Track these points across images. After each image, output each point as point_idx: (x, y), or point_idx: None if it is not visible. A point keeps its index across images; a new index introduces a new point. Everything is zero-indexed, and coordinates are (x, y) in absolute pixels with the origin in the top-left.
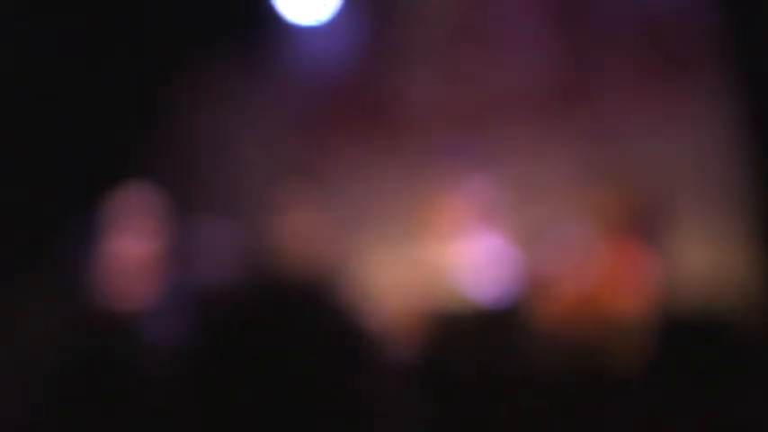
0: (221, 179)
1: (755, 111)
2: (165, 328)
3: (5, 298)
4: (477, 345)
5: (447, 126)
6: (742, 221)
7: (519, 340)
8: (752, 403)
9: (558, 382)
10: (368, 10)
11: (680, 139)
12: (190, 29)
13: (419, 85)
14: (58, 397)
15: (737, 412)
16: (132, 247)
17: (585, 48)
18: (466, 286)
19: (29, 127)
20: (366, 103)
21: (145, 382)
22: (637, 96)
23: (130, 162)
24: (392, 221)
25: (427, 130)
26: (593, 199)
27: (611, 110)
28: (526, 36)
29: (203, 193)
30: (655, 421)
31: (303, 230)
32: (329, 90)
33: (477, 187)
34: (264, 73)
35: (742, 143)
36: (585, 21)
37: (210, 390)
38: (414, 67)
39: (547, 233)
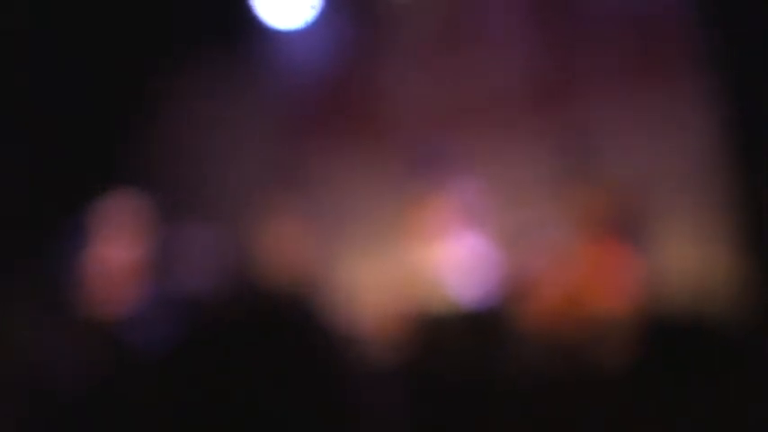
0: (204, 185)
1: (739, 111)
2: (147, 334)
3: None
4: (460, 346)
5: (430, 128)
6: (725, 222)
7: (502, 341)
8: (735, 400)
9: (541, 382)
10: (349, 14)
11: (663, 141)
12: (172, 35)
13: (401, 88)
14: (42, 402)
15: (720, 409)
16: (116, 254)
17: (568, 49)
18: (449, 288)
19: (12, 133)
20: (348, 107)
21: (126, 387)
22: (620, 98)
23: (114, 169)
24: (375, 224)
25: (410, 133)
26: (576, 200)
27: (594, 111)
28: (508, 38)
29: (186, 200)
30: (638, 419)
31: (285, 236)
32: (311, 94)
33: (459, 190)
34: (247, 78)
35: (725, 144)
36: (568, 22)
37: (191, 394)
38: (395, 71)
39: (529, 235)
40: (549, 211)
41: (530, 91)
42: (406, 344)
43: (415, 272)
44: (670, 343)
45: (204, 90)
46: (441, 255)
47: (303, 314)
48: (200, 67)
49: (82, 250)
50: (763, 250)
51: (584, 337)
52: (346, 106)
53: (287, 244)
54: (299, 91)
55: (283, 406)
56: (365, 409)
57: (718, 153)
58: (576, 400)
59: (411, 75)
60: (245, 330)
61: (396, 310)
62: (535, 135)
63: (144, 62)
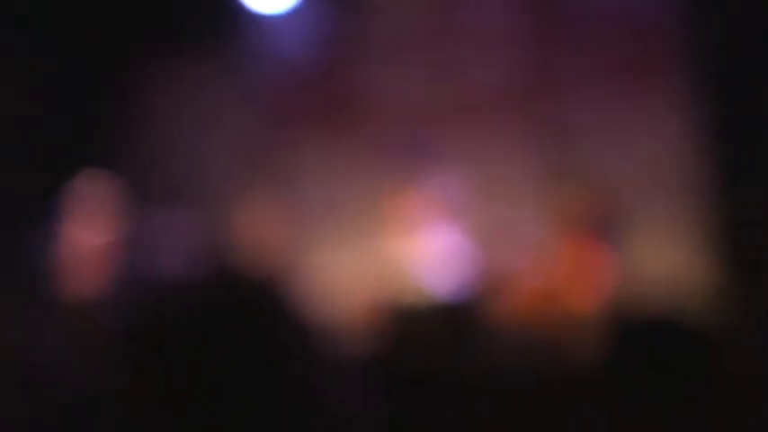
0: (180, 170)
1: (718, 112)
2: (119, 317)
3: None
4: (433, 339)
5: (410, 120)
6: (702, 222)
7: (476, 336)
8: (707, 400)
9: (514, 378)
10: (333, 2)
11: (642, 141)
12: (151, 18)
13: (383, 78)
14: (17, 385)
15: (693, 411)
16: (88, 237)
17: (551, 48)
18: (424, 280)
19: None
20: (329, 95)
21: (98, 370)
22: (601, 98)
23: (89, 152)
24: (352, 214)
25: (390, 125)
26: (555, 198)
27: (574, 110)
28: (492, 34)
29: (162, 184)
30: (612, 418)
31: (260, 222)
32: (292, 81)
33: (437, 183)
34: (226, 64)
35: (703, 145)
36: (552, 21)
37: (161, 381)
38: (378, 61)
39: (507, 230)
40: (527, 208)
41: (512, 88)
42: (379, 334)
43: (390, 263)
44: (643, 342)
45: (182, 75)
46: (417, 247)
47: (275, 301)
48: (180, 51)
49: (55, 233)
50: (738, 251)
51: (558, 335)
52: (326, 95)
53: (262, 230)
54: (279, 78)
55: (254, 393)
56: (336, 398)
57: (696, 154)
58: (548, 396)
59: (393, 66)
60: (216, 316)
61: (369, 301)
62: (516, 132)
63: (121, 45)
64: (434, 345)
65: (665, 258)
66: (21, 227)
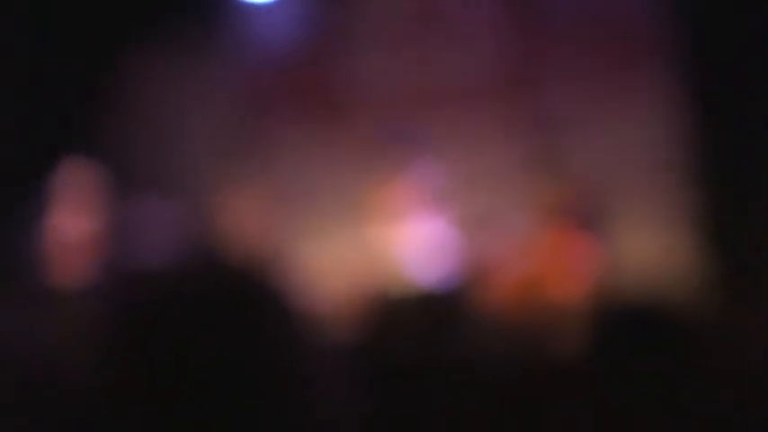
0: (164, 159)
1: (703, 104)
2: (104, 306)
3: None
4: (417, 328)
5: (394, 110)
6: (686, 212)
7: (460, 325)
8: (692, 391)
9: (499, 367)
10: None
11: (625, 129)
12: (136, 6)
13: (367, 68)
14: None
15: (678, 402)
16: (71, 225)
17: (534, 37)
18: (408, 270)
19: None
20: (313, 85)
21: (82, 358)
22: (583, 86)
23: (73, 140)
24: (336, 202)
25: (374, 114)
26: (538, 187)
27: (557, 99)
28: (476, 23)
29: (146, 172)
30: (596, 409)
31: (246, 212)
32: (276, 70)
33: (422, 172)
34: (211, 52)
35: (691, 133)
36: (535, 11)
37: (144, 371)
38: (363, 50)
39: (491, 220)
40: (511, 198)
41: (496, 77)
42: (363, 323)
43: (375, 252)
44: (627, 332)
45: (167, 63)
46: (401, 236)
47: (262, 290)
48: (164, 39)
49: (39, 221)
50: (723, 241)
51: (541, 325)
52: (311, 84)
53: (247, 219)
54: (264, 67)
55: (240, 382)
56: (320, 387)
57: (680, 145)
58: (532, 386)
59: (378, 55)
60: (202, 305)
61: (354, 289)
62: (500, 122)
63: (108, 33)
64: (418, 334)
65: (648, 248)
66: (4, 215)
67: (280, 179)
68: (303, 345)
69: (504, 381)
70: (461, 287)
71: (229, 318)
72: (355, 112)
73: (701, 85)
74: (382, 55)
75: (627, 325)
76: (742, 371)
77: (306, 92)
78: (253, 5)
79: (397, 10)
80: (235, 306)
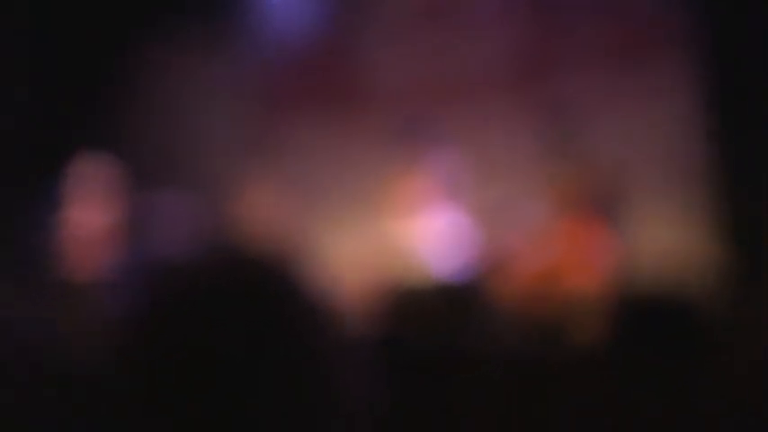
0: (180, 152)
1: (721, 93)
2: (119, 301)
3: None
4: (435, 319)
5: (409, 102)
6: (704, 201)
7: (477, 316)
8: (708, 382)
9: (516, 358)
10: None
11: (643, 119)
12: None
13: (382, 59)
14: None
15: (693, 391)
16: (88, 219)
17: (549, 26)
18: (425, 261)
19: None
20: (328, 78)
21: (98, 352)
22: (600, 75)
23: (89, 134)
24: (353, 195)
25: (390, 106)
26: (555, 178)
27: (574, 89)
28: (490, 13)
29: (162, 166)
30: (613, 400)
31: (262, 205)
32: (291, 63)
33: (437, 164)
34: (226, 45)
35: (706, 123)
36: (553, 0)
37: (162, 364)
38: (377, 42)
39: (507, 211)
40: (527, 188)
41: (512, 67)
42: (381, 315)
43: (392, 244)
44: (644, 323)
45: (182, 56)
46: (418, 227)
47: (278, 282)
48: (178, 33)
49: (55, 215)
50: (742, 233)
51: (558, 315)
52: (326, 76)
53: (263, 212)
54: (278, 59)
55: (257, 375)
56: (339, 379)
57: (698, 135)
58: (548, 377)
59: (392, 46)
60: (218, 298)
61: (371, 282)
62: (516, 111)
63: (123, 27)
64: (435, 325)
65: (665, 239)
66: (21, 209)
67: (296, 172)
68: (322, 338)
69: (520, 371)
70: (478, 278)
71: (247, 312)
72: (370, 104)
73: (719, 73)
74: (397, 46)
75: (644, 315)
76: (757, 363)
77: (321, 85)
78: (268, 0)
79: (410, 1)
80: (253, 300)
